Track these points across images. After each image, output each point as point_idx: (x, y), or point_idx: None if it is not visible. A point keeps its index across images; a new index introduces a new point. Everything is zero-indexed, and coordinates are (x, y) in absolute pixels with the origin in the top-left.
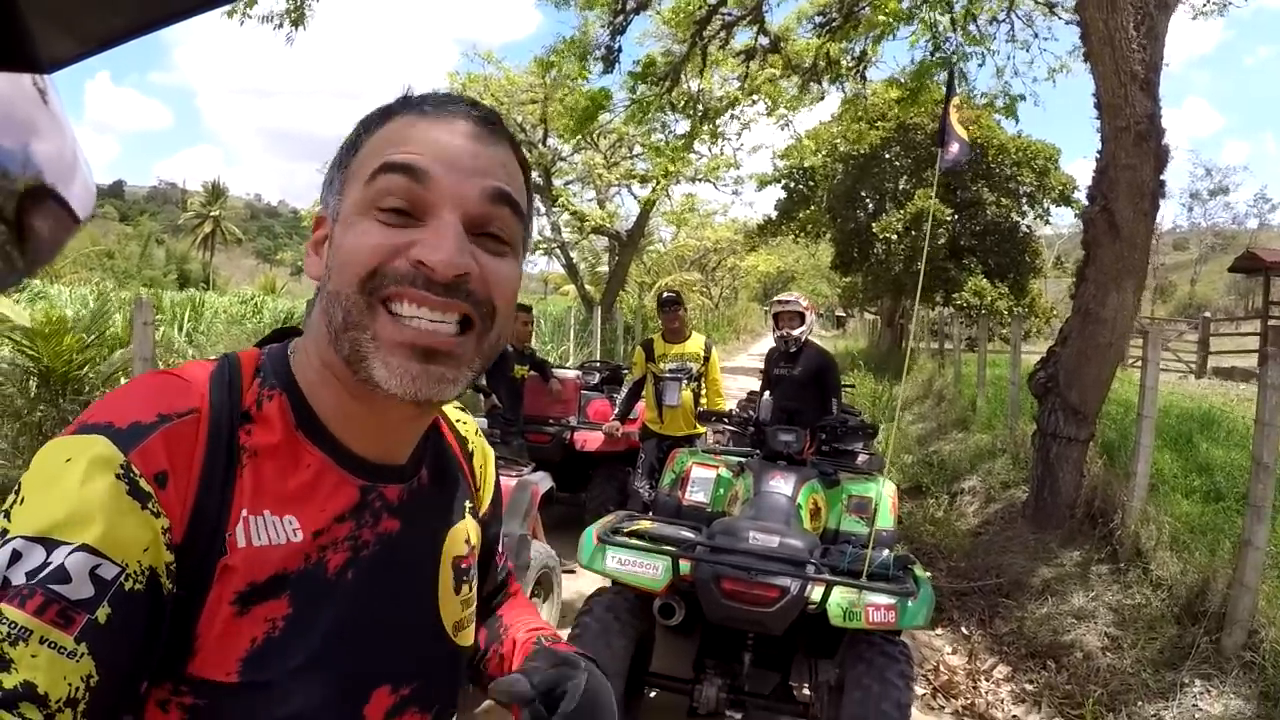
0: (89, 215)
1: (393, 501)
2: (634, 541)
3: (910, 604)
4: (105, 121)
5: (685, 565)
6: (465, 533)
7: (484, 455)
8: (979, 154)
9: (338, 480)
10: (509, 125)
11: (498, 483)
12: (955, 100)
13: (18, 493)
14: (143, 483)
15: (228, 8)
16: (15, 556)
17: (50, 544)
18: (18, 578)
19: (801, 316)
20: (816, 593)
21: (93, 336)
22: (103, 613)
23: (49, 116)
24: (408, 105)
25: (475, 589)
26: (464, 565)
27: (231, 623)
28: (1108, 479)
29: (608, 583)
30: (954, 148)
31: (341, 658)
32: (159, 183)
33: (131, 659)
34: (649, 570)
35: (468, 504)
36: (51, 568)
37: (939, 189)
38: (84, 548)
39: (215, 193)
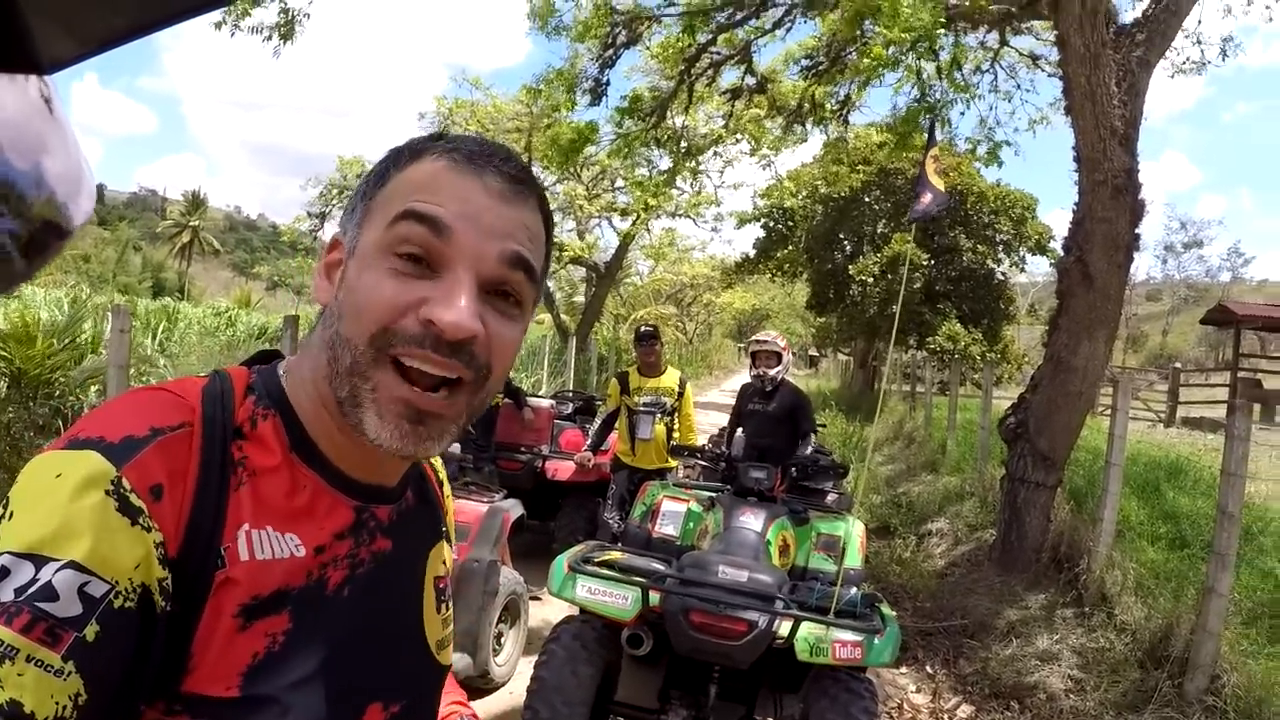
0: (89, 218)
1: (384, 522)
2: (605, 571)
3: (877, 641)
4: (90, 124)
5: (655, 596)
6: (443, 553)
7: (445, 480)
8: (957, 201)
9: (333, 500)
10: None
11: None
12: (934, 151)
13: (6, 507)
14: (133, 498)
15: (218, 16)
16: (4, 573)
17: (39, 560)
18: (6, 594)
19: (779, 356)
20: (784, 628)
21: (66, 342)
22: (91, 630)
23: (55, 127)
24: (441, 148)
25: (451, 608)
26: (442, 585)
27: (232, 637)
28: (1074, 524)
29: (575, 611)
30: (926, 198)
31: (338, 674)
32: (140, 189)
33: (122, 677)
34: (618, 600)
35: (442, 527)
36: (39, 585)
37: (916, 234)
38: (71, 565)
39: (195, 202)
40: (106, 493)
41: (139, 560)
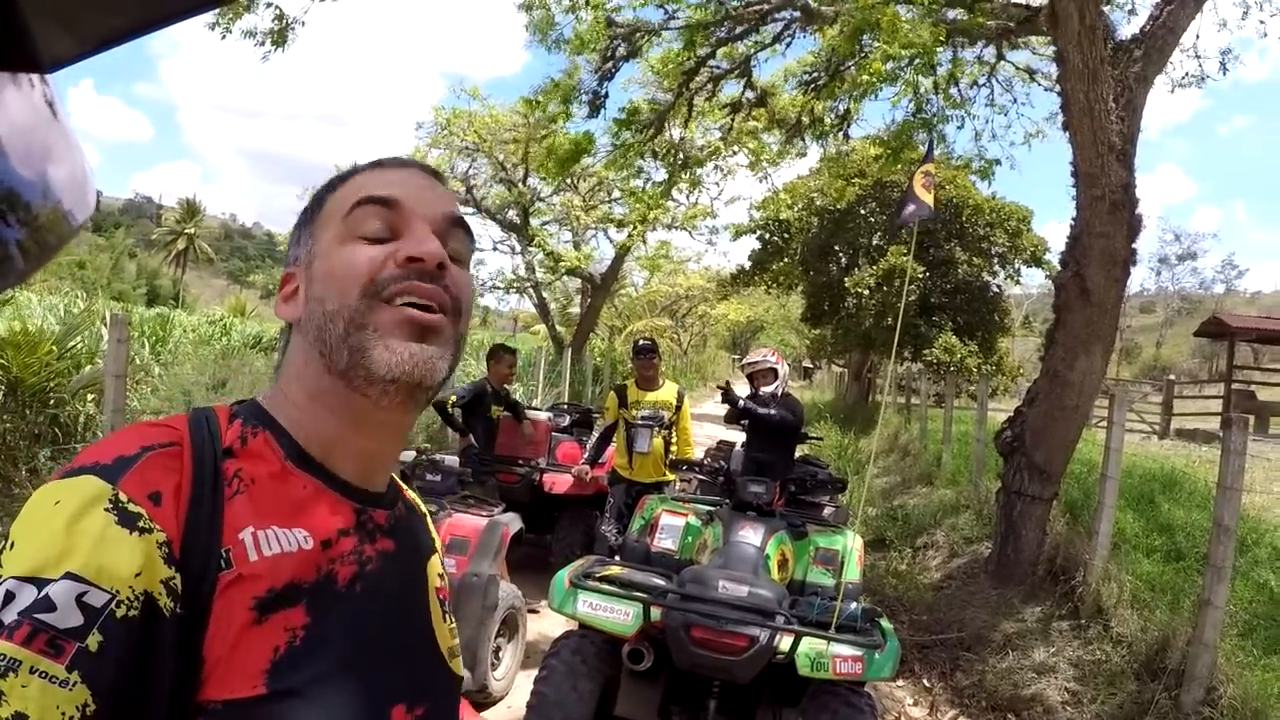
0: (89, 217)
1: (383, 524)
2: (606, 587)
3: (877, 656)
4: (86, 130)
5: (656, 612)
6: (438, 566)
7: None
8: (953, 214)
9: (334, 501)
10: (492, 161)
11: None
12: (927, 166)
13: (8, 539)
14: (131, 506)
15: (211, 18)
16: (9, 597)
17: (41, 582)
18: (10, 617)
19: (774, 372)
20: (785, 643)
21: (64, 350)
22: (94, 640)
23: (60, 133)
24: (367, 165)
25: (453, 620)
26: (442, 596)
27: (249, 632)
28: (1070, 537)
29: (573, 625)
30: (909, 209)
31: (360, 673)
32: (135, 195)
33: (132, 686)
34: (620, 616)
35: (432, 540)
36: (38, 600)
37: (912, 247)
38: (69, 576)
39: (191, 210)
40: (105, 510)
41: (140, 568)
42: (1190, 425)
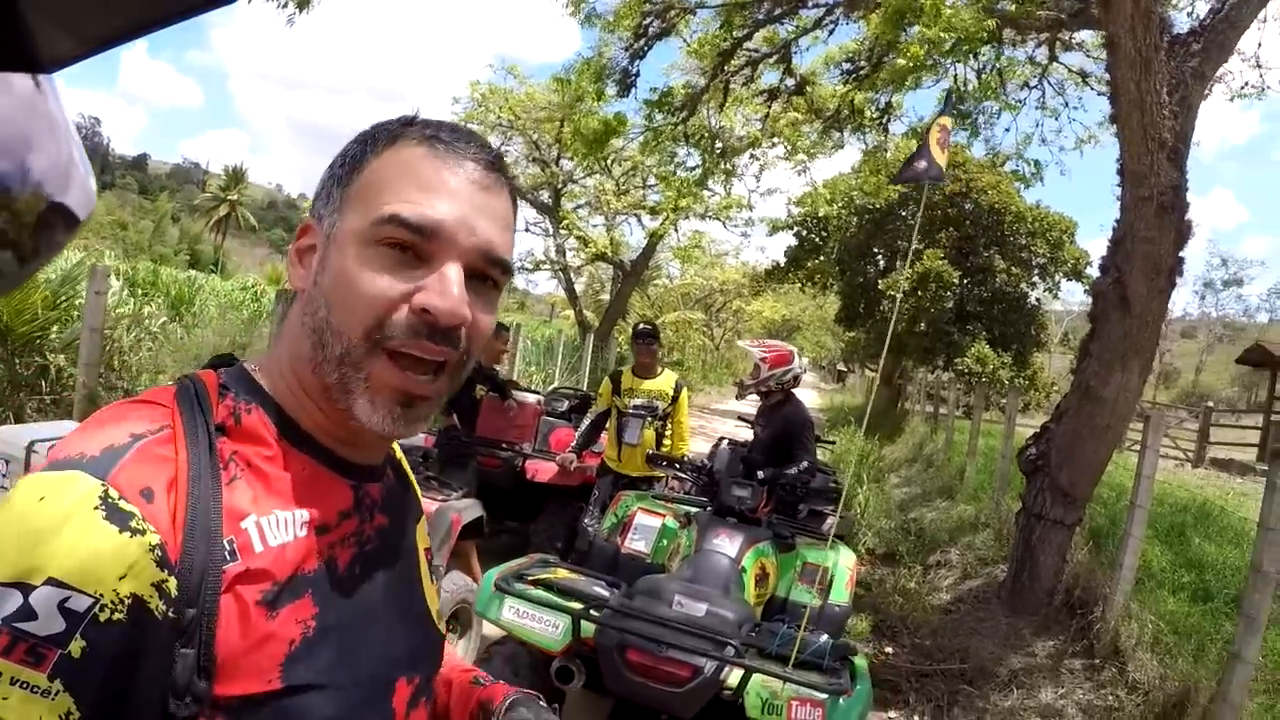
0: (88, 216)
1: (377, 499)
2: (536, 593)
3: (842, 702)
4: (136, 93)
5: (590, 627)
6: (425, 529)
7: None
8: (994, 220)
9: (330, 481)
10: (526, 140)
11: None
12: (944, 120)
13: None
14: (123, 504)
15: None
16: None
17: (26, 588)
18: None
19: (756, 368)
20: (734, 677)
21: (61, 300)
22: (76, 646)
23: (47, 123)
24: (418, 133)
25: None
26: (429, 557)
27: (261, 626)
28: (1091, 567)
29: None
30: (921, 164)
31: (368, 653)
32: (183, 160)
33: (119, 691)
34: (547, 628)
35: (418, 504)
36: (21, 607)
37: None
38: (50, 581)
39: (235, 176)
40: (95, 507)
41: (125, 570)
42: (1225, 455)
